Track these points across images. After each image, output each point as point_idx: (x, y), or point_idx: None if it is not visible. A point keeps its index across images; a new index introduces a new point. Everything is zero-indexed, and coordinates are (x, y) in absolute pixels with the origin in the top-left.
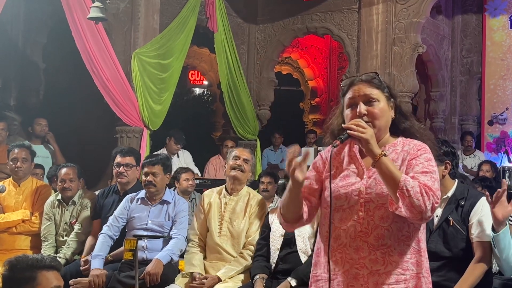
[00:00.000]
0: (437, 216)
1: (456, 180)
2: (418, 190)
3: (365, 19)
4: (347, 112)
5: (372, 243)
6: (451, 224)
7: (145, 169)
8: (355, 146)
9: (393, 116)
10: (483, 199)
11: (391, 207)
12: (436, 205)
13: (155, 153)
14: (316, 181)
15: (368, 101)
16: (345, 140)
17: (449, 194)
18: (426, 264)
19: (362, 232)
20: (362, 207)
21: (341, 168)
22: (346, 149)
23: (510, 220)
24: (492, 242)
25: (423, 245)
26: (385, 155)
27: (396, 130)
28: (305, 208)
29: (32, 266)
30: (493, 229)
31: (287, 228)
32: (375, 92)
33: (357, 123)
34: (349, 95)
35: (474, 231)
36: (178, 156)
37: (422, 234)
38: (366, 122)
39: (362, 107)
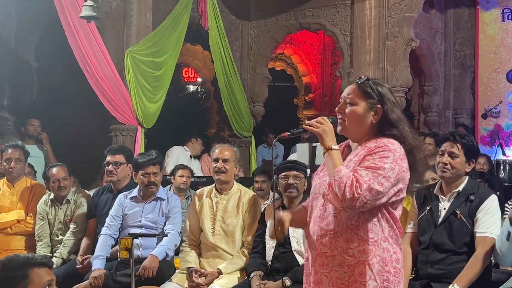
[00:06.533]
0: (444, 209)
1: (467, 176)
2: (344, 181)
3: (357, 14)
4: None
5: (323, 227)
6: (458, 217)
7: (146, 170)
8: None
9: (374, 121)
10: (493, 196)
11: (325, 195)
12: (357, 196)
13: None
14: None
15: (345, 102)
16: (296, 134)
17: (460, 188)
18: (378, 253)
19: (319, 218)
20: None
21: None
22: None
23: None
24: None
25: (375, 235)
26: (332, 148)
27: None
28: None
29: (24, 264)
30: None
31: None
32: (354, 97)
33: (318, 120)
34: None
35: (478, 226)
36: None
37: (375, 225)
38: (341, 119)
39: (339, 106)
